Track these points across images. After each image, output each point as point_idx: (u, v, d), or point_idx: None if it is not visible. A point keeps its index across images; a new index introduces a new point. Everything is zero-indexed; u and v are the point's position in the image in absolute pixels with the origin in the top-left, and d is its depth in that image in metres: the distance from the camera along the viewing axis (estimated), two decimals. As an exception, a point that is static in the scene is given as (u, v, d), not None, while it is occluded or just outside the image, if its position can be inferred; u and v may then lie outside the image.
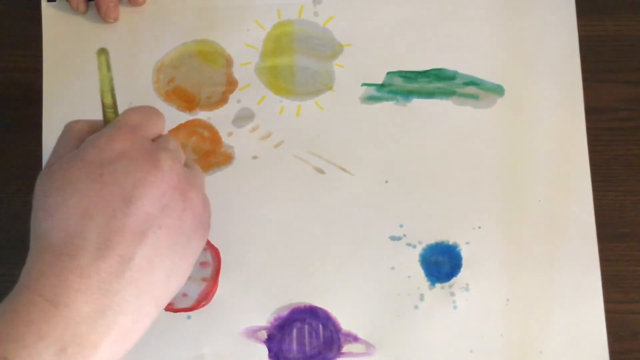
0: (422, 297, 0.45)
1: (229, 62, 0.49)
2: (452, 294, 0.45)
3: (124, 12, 0.50)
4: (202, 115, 0.49)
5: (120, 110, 0.38)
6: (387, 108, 0.48)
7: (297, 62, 0.49)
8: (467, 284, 0.45)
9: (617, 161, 0.48)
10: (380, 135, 0.48)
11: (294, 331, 0.45)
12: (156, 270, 0.34)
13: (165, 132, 0.39)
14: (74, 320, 0.32)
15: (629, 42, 0.49)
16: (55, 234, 0.33)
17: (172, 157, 0.36)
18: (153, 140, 0.37)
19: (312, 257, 0.46)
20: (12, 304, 0.32)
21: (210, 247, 0.46)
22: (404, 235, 0.46)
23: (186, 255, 0.36)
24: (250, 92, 0.49)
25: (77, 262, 0.32)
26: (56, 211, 0.33)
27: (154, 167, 0.35)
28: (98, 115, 0.38)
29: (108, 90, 0.37)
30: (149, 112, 0.38)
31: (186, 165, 0.38)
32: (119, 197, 0.33)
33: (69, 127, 0.38)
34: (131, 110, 0.38)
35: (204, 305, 0.45)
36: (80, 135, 0.37)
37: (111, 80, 0.36)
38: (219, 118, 0.48)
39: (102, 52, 0.36)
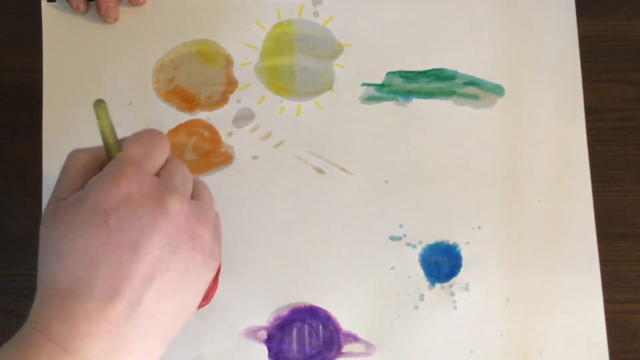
0: (422, 297, 0.45)
1: (229, 62, 0.49)
2: (452, 294, 0.45)
3: (124, 12, 0.50)
4: (202, 115, 0.49)
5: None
6: (387, 108, 0.48)
7: (297, 62, 0.49)
8: (467, 284, 0.45)
9: (617, 161, 0.48)
10: (380, 135, 0.48)
11: (294, 331, 0.45)
12: (163, 312, 0.34)
13: (169, 153, 0.37)
14: None
15: (629, 42, 0.49)
16: (63, 277, 0.33)
17: (179, 197, 0.34)
18: (159, 172, 0.36)
19: (312, 257, 0.46)
20: (23, 345, 0.32)
21: (210, 247, 0.46)
22: (404, 235, 0.46)
23: (195, 290, 0.36)
24: (250, 92, 0.49)
25: (85, 308, 0.32)
26: (63, 256, 0.33)
27: (160, 212, 0.33)
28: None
29: (109, 133, 0.35)
30: (151, 140, 0.36)
31: (194, 195, 0.37)
32: (125, 244, 0.33)
33: (72, 159, 0.36)
34: (134, 142, 0.35)
35: (204, 305, 0.45)
36: (85, 168, 0.36)
37: (111, 124, 0.35)
38: (219, 118, 0.48)
39: (99, 103, 0.34)
